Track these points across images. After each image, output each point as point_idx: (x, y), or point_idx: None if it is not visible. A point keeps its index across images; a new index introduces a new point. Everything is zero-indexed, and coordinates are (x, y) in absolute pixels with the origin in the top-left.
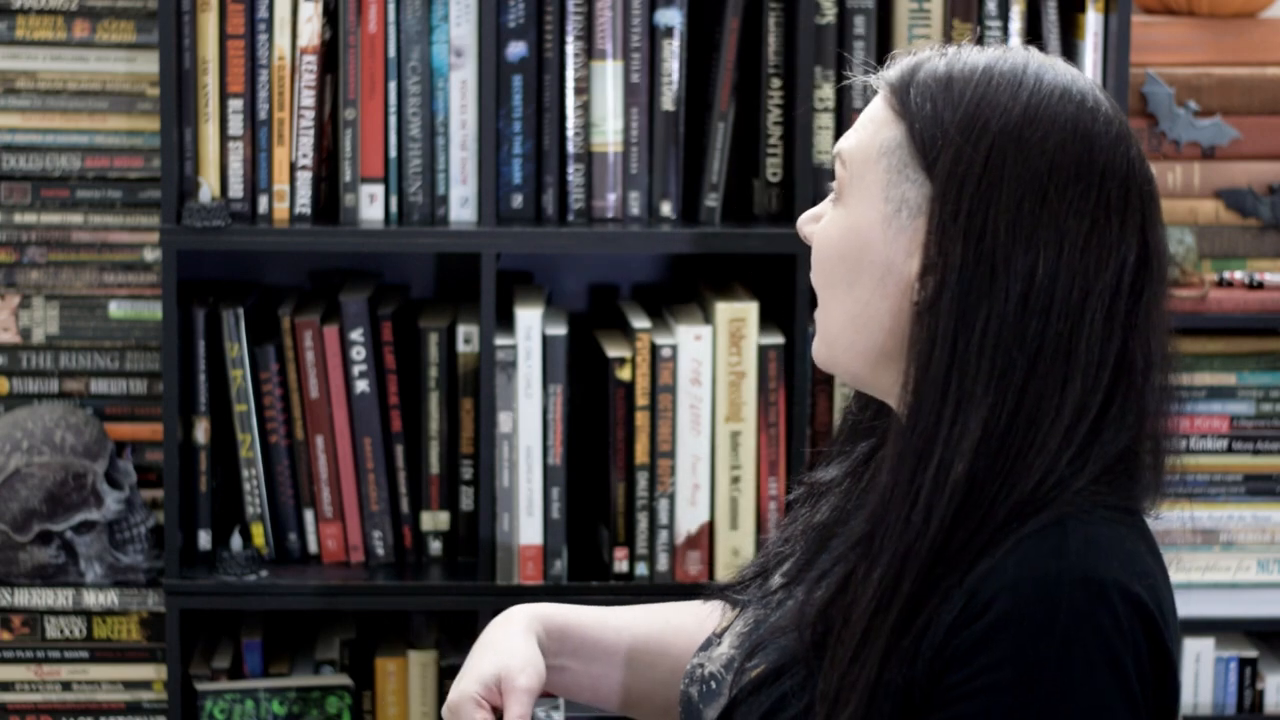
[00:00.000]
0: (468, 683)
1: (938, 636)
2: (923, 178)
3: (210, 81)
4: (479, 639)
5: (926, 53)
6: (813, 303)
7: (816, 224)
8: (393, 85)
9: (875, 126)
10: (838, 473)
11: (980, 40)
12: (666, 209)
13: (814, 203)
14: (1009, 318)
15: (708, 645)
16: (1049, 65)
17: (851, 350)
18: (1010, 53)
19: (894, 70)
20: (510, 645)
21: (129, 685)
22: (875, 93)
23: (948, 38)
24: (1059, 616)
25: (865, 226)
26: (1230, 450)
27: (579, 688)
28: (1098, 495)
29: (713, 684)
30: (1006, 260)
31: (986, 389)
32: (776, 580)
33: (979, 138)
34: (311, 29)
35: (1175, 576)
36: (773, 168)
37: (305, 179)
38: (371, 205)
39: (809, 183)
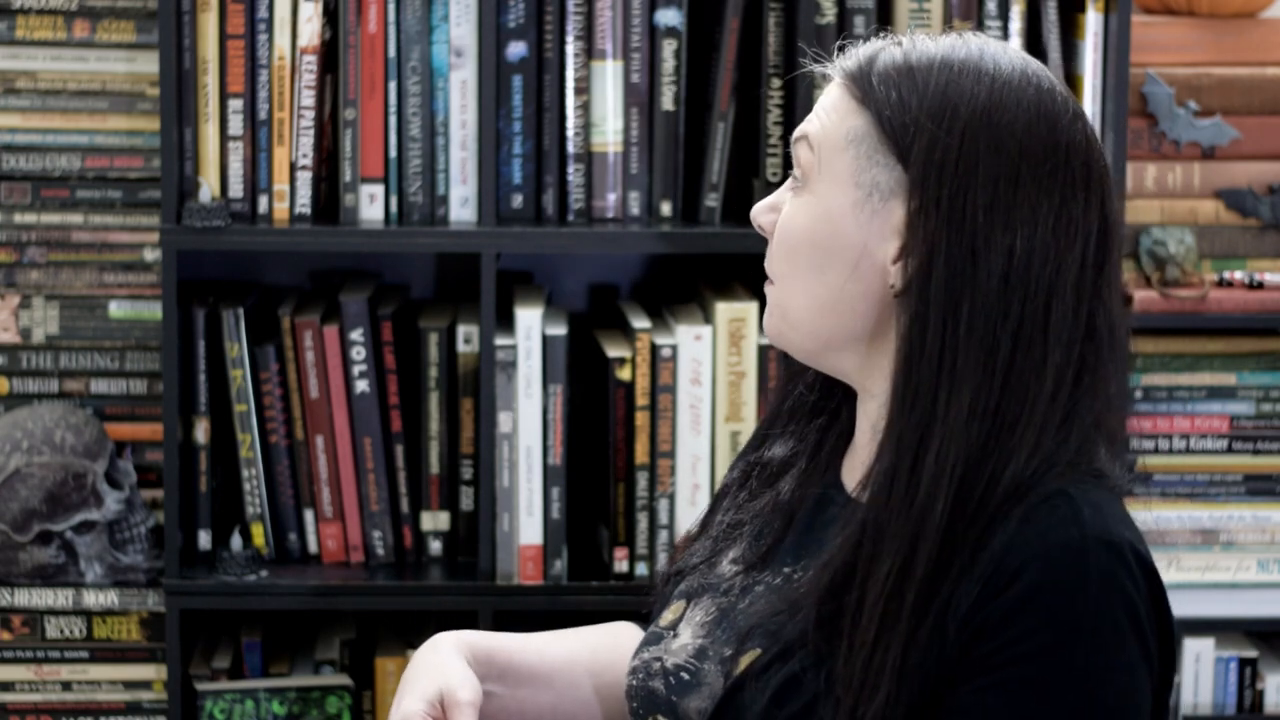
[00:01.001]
0: (411, 701)
1: (961, 611)
2: (893, 162)
3: (210, 81)
4: (408, 666)
5: (880, 42)
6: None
7: (775, 214)
8: (393, 85)
9: (839, 115)
10: (785, 452)
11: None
12: (666, 209)
13: None
14: (992, 297)
15: (658, 640)
16: (1001, 50)
17: (814, 333)
18: (962, 40)
19: (851, 60)
20: (445, 664)
21: (129, 685)
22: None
23: None
24: (1090, 580)
25: (836, 212)
26: (1230, 450)
27: (506, 713)
28: (1082, 467)
29: (684, 675)
30: (987, 241)
31: (976, 368)
32: (728, 566)
33: (951, 124)
34: (311, 29)
35: (1175, 576)
36: (773, 168)
37: (305, 179)
38: (371, 205)
39: None
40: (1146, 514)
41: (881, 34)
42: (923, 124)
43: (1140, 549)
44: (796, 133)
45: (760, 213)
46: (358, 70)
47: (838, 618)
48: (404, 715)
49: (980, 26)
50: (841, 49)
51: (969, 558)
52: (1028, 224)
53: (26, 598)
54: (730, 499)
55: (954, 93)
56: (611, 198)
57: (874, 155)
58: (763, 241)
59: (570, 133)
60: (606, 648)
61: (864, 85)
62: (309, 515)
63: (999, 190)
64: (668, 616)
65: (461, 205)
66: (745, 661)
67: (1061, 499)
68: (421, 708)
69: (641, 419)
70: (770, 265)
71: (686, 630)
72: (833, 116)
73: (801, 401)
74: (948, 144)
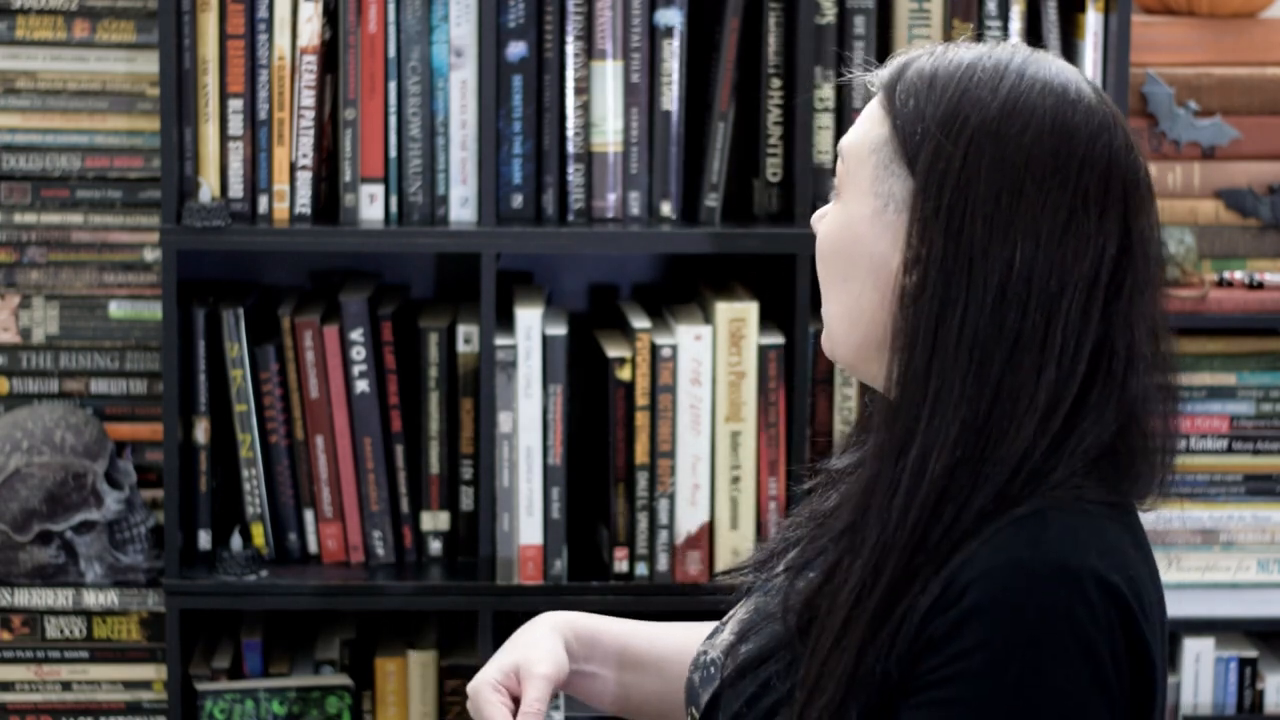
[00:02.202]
0: (489, 670)
1: (914, 624)
2: (906, 173)
3: (210, 81)
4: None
5: (919, 51)
6: (814, 301)
7: (822, 221)
8: (393, 85)
9: (869, 124)
10: (849, 461)
11: (979, 40)
12: (666, 209)
13: (813, 203)
14: (987, 310)
15: (715, 633)
16: (1035, 60)
17: (848, 342)
18: (999, 49)
19: (886, 69)
20: (534, 640)
21: (129, 685)
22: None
23: (947, 38)
24: (1030, 605)
25: (857, 221)
26: (1230, 450)
27: (610, 695)
28: (1082, 489)
29: (711, 669)
30: (984, 253)
31: (965, 380)
32: (780, 567)
33: (958, 133)
34: (311, 29)
35: (1175, 576)
36: (773, 168)
37: (305, 179)
38: (372, 205)
39: (809, 183)
40: (1146, 515)
41: (930, 42)
42: (931, 133)
43: (1111, 579)
44: (838, 145)
45: (816, 220)
46: (358, 70)
47: (814, 621)
48: (477, 682)
49: (980, 26)
50: (892, 58)
51: (934, 570)
52: (1029, 237)
53: (26, 598)
54: (799, 504)
55: (967, 102)
56: (611, 198)
57: (890, 165)
58: (763, 241)
59: (570, 133)
60: None
61: (891, 94)
62: (309, 515)
63: (1000, 202)
64: (732, 612)
65: (461, 205)
66: (738, 662)
67: (1033, 520)
68: (496, 677)
69: (641, 419)
70: (819, 276)
71: (730, 626)
72: (863, 126)
73: (869, 411)
74: (951, 153)
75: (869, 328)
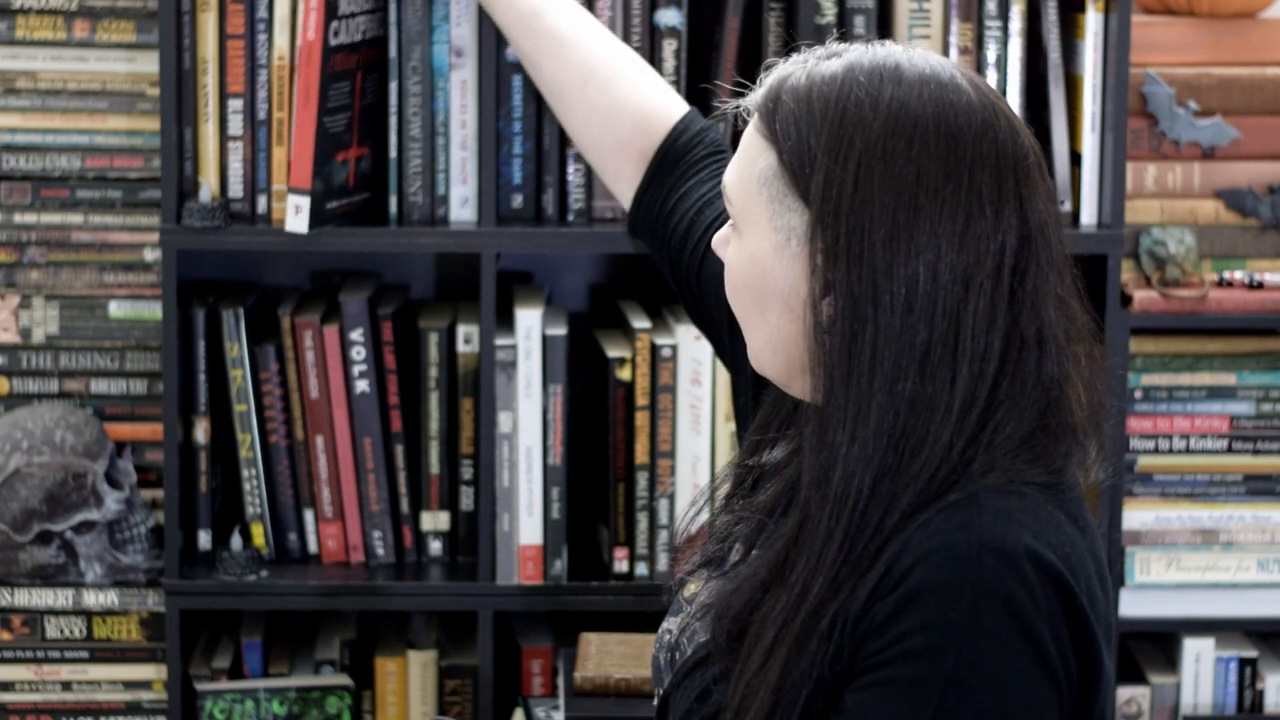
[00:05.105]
0: None
1: (853, 616)
2: (801, 205)
3: (210, 81)
4: None
5: (790, 66)
6: None
7: (726, 247)
8: (393, 85)
9: (752, 156)
10: (783, 454)
11: (979, 40)
12: None
13: None
14: (895, 328)
15: (678, 610)
16: (906, 62)
17: (774, 366)
18: (870, 51)
19: (759, 92)
20: None
21: (129, 685)
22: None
23: (947, 38)
24: (966, 586)
25: (762, 257)
26: (1230, 450)
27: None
28: (1015, 471)
29: (676, 654)
30: (888, 273)
31: (881, 399)
32: (734, 557)
33: (845, 158)
34: None
35: (1175, 576)
36: None
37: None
38: (296, 216)
39: None
40: (1147, 514)
41: (793, 51)
42: (820, 161)
43: (1046, 556)
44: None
45: (718, 246)
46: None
47: (744, 636)
48: None
49: (980, 26)
50: (762, 77)
51: (865, 569)
52: (929, 250)
53: (26, 598)
54: (736, 495)
55: (850, 123)
56: (612, 198)
57: (784, 199)
58: None
59: None
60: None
61: (769, 122)
62: (309, 515)
63: (898, 220)
64: (691, 588)
65: (461, 205)
66: (683, 662)
67: (966, 504)
68: None
69: (641, 419)
70: (733, 308)
71: (693, 607)
72: (744, 159)
73: (795, 405)
74: (843, 180)
75: (790, 352)
